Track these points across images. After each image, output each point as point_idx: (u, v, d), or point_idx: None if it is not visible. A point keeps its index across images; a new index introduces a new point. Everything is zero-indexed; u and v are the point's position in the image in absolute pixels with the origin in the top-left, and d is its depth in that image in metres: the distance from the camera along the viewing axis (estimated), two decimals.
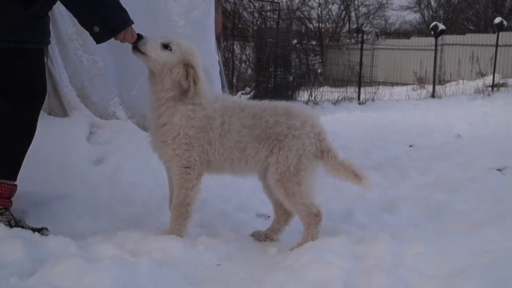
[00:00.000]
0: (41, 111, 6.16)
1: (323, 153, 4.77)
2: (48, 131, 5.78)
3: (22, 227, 4.58)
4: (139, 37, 4.55)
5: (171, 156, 4.65)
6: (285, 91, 19.34)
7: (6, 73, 4.55)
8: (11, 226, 4.53)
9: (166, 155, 4.69)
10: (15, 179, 4.70)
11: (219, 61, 8.26)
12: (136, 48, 4.56)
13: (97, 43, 4.59)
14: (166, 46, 4.57)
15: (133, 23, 4.54)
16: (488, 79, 25.87)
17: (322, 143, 4.79)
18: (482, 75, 27.19)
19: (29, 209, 5.06)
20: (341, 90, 21.63)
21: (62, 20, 6.62)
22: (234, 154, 4.70)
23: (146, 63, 4.62)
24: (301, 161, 4.68)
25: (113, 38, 4.55)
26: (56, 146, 5.82)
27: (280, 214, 5.08)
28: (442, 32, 25.69)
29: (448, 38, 31.00)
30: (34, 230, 4.56)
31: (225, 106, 4.72)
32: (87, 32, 4.54)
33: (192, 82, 4.54)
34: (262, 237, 5.05)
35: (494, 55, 26.15)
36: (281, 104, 4.89)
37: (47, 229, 4.67)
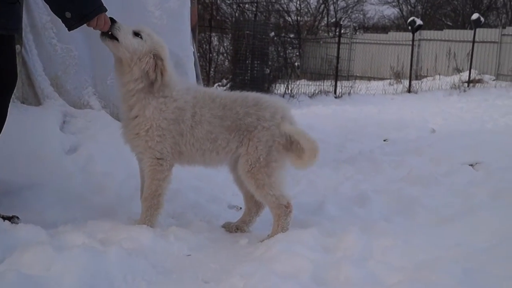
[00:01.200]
0: (14, 100, 6.16)
1: (292, 145, 4.76)
2: (21, 120, 5.76)
3: None
4: (112, 21, 4.53)
5: (143, 148, 4.66)
6: (261, 84, 19.33)
7: None
8: None
9: (138, 146, 4.69)
10: None
11: (194, 52, 8.24)
12: (105, 34, 4.54)
13: (69, 29, 4.58)
14: (137, 34, 4.58)
15: (106, 10, 4.52)
16: (465, 75, 26.04)
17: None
18: (458, 70, 27.36)
19: (0, 197, 5.03)
20: (318, 83, 21.68)
21: (37, 8, 6.57)
22: (205, 145, 4.71)
23: (114, 50, 4.59)
24: (271, 152, 4.68)
25: (86, 26, 4.53)
26: (29, 134, 5.79)
27: (251, 206, 5.10)
28: (420, 27, 25.79)
29: (425, 34, 31.16)
30: (4, 218, 4.55)
31: (196, 97, 4.72)
32: None
33: (159, 74, 4.54)
34: (233, 228, 5.07)
35: (471, 51, 26.31)
36: (251, 95, 4.89)
37: (17, 217, 4.66)
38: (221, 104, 4.74)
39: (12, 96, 6.33)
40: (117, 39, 4.53)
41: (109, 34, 4.53)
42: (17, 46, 6.31)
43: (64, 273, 3.38)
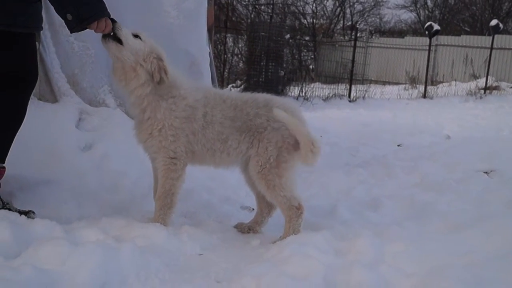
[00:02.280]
0: (32, 96, 6.20)
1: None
2: (37, 116, 5.80)
3: (9, 209, 4.63)
4: (113, 21, 4.52)
5: (157, 147, 4.67)
6: (276, 86, 19.34)
7: (8, 60, 4.53)
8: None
9: (153, 147, 4.70)
10: (3, 162, 4.73)
11: (209, 53, 8.28)
12: (107, 36, 4.52)
13: (70, 32, 4.60)
14: (136, 36, 4.59)
15: (108, 15, 4.52)
16: (481, 82, 25.92)
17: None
18: (475, 77, 27.25)
19: (16, 192, 5.09)
20: (332, 87, 21.65)
21: None
22: (216, 146, 4.72)
23: (117, 53, 4.56)
24: (281, 153, 4.69)
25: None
26: (45, 131, 5.84)
27: (262, 207, 5.12)
28: (437, 32, 25.70)
29: (442, 39, 31.01)
30: (21, 212, 4.60)
31: (207, 97, 4.74)
32: None
33: (164, 74, 4.55)
34: (245, 229, 5.09)
35: (488, 58, 26.20)
36: (262, 96, 4.91)
37: (33, 212, 4.71)
38: (232, 105, 4.76)
39: None
40: (120, 42, 4.52)
41: (112, 35, 4.52)
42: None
43: (78, 268, 3.41)
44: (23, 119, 4.76)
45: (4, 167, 4.75)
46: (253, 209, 5.61)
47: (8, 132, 4.73)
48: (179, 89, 4.66)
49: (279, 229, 4.89)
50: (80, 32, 6.54)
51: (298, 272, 3.70)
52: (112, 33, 4.52)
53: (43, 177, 5.33)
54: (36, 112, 5.84)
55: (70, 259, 3.50)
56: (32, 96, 6.27)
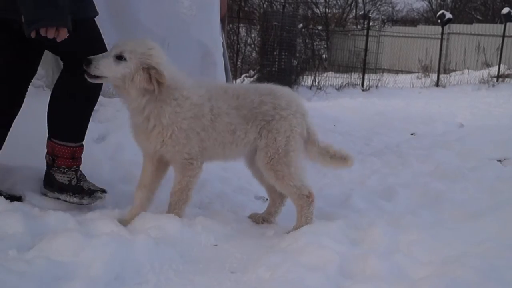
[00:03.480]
0: (44, 87, 6.22)
1: (309, 135, 4.79)
2: None
3: (82, 186, 4.88)
4: (87, 61, 4.26)
5: (172, 153, 4.57)
6: (289, 75, 19.30)
7: (72, 46, 4.54)
8: (71, 184, 4.85)
9: (168, 153, 4.59)
10: (78, 141, 4.95)
11: (222, 43, 8.26)
12: (89, 76, 4.31)
13: (26, 35, 4.26)
14: (120, 58, 4.31)
15: (63, 25, 4.24)
16: (494, 70, 25.79)
17: (308, 125, 4.81)
18: (487, 65, 27.11)
19: (29, 182, 5.09)
20: (345, 76, 21.62)
21: None
22: (226, 138, 4.63)
23: (106, 83, 4.59)
24: (289, 142, 4.65)
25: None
26: None
27: (275, 197, 5.08)
28: (449, 21, 25.60)
29: (454, 27, 30.83)
30: (92, 191, 4.87)
31: (209, 90, 4.62)
32: None
33: (155, 83, 4.31)
34: (259, 219, 5.07)
35: (500, 46, 26.06)
36: (262, 85, 4.91)
37: (104, 191, 4.94)
38: (234, 95, 4.67)
39: (42, 84, 6.45)
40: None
41: (93, 76, 4.33)
42: None
43: (92, 260, 3.41)
44: (98, 98, 5.01)
45: (82, 145, 4.99)
46: (267, 199, 5.60)
47: (85, 115, 5.00)
48: (181, 90, 4.49)
49: (292, 218, 4.86)
50: None
51: (313, 262, 3.70)
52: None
53: None
54: None
55: (84, 251, 3.50)
56: (44, 87, 6.33)
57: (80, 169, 5.01)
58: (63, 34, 4.25)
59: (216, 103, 4.59)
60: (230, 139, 4.65)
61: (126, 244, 3.66)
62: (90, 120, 5.92)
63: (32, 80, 5.04)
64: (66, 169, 4.91)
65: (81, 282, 3.21)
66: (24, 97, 4.91)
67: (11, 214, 4.03)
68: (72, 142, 4.90)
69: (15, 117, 4.87)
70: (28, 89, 4.98)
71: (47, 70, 6.56)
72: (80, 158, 4.99)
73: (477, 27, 30.58)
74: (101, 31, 6.45)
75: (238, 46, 21.93)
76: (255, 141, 4.69)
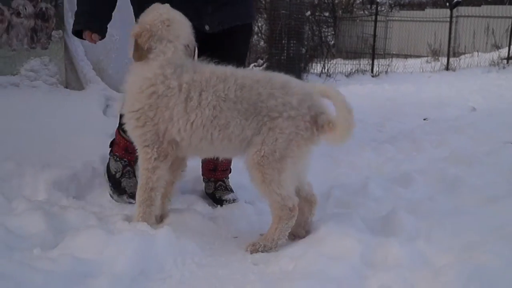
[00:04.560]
0: (58, 85, 6.25)
1: (323, 127, 4.08)
2: (64, 104, 5.83)
3: (121, 182, 5.03)
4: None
5: (131, 137, 4.30)
6: (298, 63, 19.25)
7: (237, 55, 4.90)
8: (115, 176, 5.05)
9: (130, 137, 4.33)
10: None
11: None
12: None
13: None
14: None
15: (88, 28, 4.72)
16: (504, 52, 25.62)
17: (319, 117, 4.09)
18: (497, 47, 26.91)
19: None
20: (354, 62, 21.52)
21: None
22: (212, 133, 4.07)
23: None
24: (290, 146, 4.03)
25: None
26: (72, 119, 5.87)
27: (302, 205, 4.31)
28: (458, 3, 25.44)
29: (463, 10, 30.61)
30: (123, 191, 5.01)
31: (193, 79, 4.08)
32: None
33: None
34: (290, 236, 4.27)
35: (510, 27, 25.87)
36: (279, 76, 4.24)
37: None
38: (238, 85, 4.08)
39: (56, 81, 6.48)
40: None
41: None
42: (59, 32, 6.42)
43: (116, 257, 3.44)
44: None
45: None
46: None
47: None
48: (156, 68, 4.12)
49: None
50: None
51: (335, 251, 3.70)
52: None
53: (70, 163, 5.35)
54: (63, 100, 5.87)
55: (108, 247, 3.53)
56: (58, 85, 6.35)
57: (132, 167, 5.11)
58: (94, 38, 4.74)
59: (195, 92, 4.07)
60: (219, 135, 4.07)
61: (149, 240, 3.67)
62: (105, 115, 5.97)
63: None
64: (118, 159, 5.08)
65: (106, 279, 3.23)
66: None
67: (32, 213, 4.06)
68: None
69: None
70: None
71: (60, 67, 6.58)
72: (134, 154, 4.74)
73: (486, 9, 30.34)
74: (112, 25, 6.49)
75: None
76: (253, 138, 4.07)
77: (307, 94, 4.12)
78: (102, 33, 4.73)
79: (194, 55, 4.46)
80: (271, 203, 4.12)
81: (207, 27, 4.78)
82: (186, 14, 4.29)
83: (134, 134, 4.21)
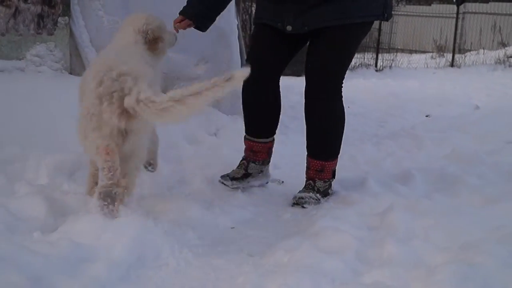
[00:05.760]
0: (63, 70, 6.26)
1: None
2: (69, 90, 5.82)
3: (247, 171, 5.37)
4: None
5: None
6: (302, 56, 19.19)
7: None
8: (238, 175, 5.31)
9: None
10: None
11: (237, 25, 8.23)
12: None
13: None
14: None
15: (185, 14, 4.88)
16: (510, 50, 25.45)
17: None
18: (503, 45, 26.82)
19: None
20: (358, 56, 21.38)
21: None
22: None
23: None
24: None
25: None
26: (76, 105, 5.87)
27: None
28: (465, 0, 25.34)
29: (470, 6, 30.48)
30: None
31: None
32: None
33: None
34: None
35: None
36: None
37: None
38: (99, 71, 3.78)
39: (60, 67, 6.49)
40: None
41: None
42: (65, 18, 6.43)
43: (113, 243, 3.46)
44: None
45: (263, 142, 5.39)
46: (283, 181, 5.64)
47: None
48: None
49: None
50: (109, 6, 6.63)
51: (330, 246, 3.72)
52: None
53: (73, 149, 5.36)
54: (68, 85, 5.86)
55: (106, 233, 3.55)
56: (63, 70, 6.36)
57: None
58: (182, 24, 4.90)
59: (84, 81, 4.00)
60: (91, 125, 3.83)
61: (147, 227, 3.70)
62: None
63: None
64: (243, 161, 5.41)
65: (104, 264, 3.26)
66: None
67: (33, 196, 4.09)
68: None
69: None
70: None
71: (65, 53, 6.59)
72: (260, 152, 5.37)
73: (493, 6, 30.19)
74: (117, 13, 6.49)
75: (251, 25, 21.81)
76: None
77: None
78: (203, 30, 5.07)
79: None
80: None
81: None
82: None
83: None
